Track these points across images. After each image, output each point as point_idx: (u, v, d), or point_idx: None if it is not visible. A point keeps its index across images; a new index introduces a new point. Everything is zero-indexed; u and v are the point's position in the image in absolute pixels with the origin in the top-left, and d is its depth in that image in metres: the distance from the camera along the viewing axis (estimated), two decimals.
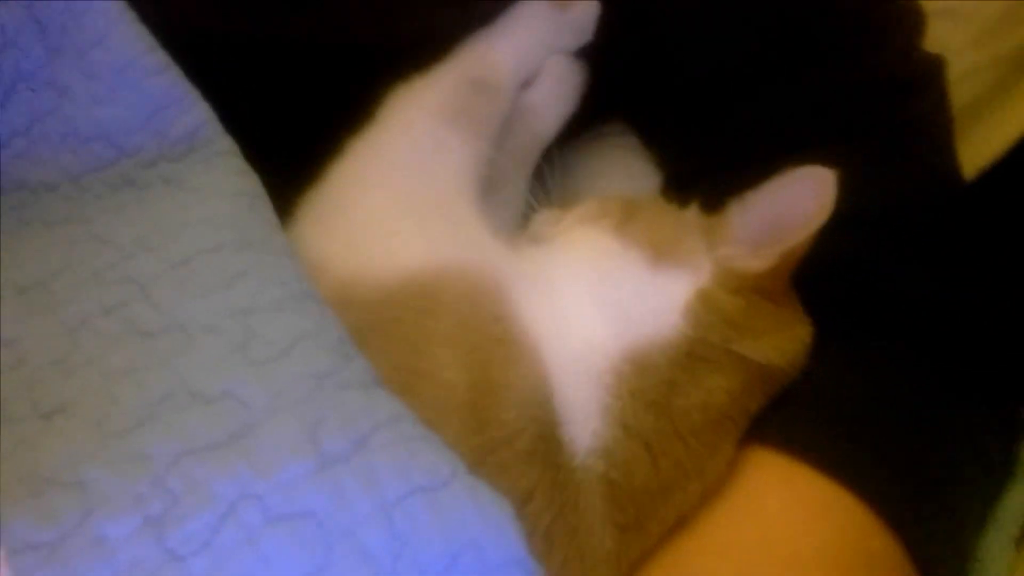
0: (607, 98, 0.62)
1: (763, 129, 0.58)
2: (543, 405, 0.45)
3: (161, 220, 0.47)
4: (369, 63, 0.55)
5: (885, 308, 0.54)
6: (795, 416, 0.49)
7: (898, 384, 0.51)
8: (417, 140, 0.54)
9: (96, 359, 0.41)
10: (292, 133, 0.54)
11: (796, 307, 0.51)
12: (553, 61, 0.60)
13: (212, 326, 0.42)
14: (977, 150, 0.71)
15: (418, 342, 0.45)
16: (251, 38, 0.56)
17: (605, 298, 0.49)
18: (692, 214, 0.53)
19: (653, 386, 0.47)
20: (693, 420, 0.46)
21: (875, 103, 0.57)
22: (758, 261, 0.49)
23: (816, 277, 0.50)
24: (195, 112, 0.51)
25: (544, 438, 0.45)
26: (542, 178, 0.60)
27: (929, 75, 0.59)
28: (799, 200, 0.48)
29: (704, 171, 0.59)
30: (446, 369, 0.44)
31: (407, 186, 0.53)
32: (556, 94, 0.60)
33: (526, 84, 0.59)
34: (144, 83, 0.50)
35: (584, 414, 0.46)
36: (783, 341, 0.49)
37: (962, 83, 0.66)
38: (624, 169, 0.65)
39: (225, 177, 0.49)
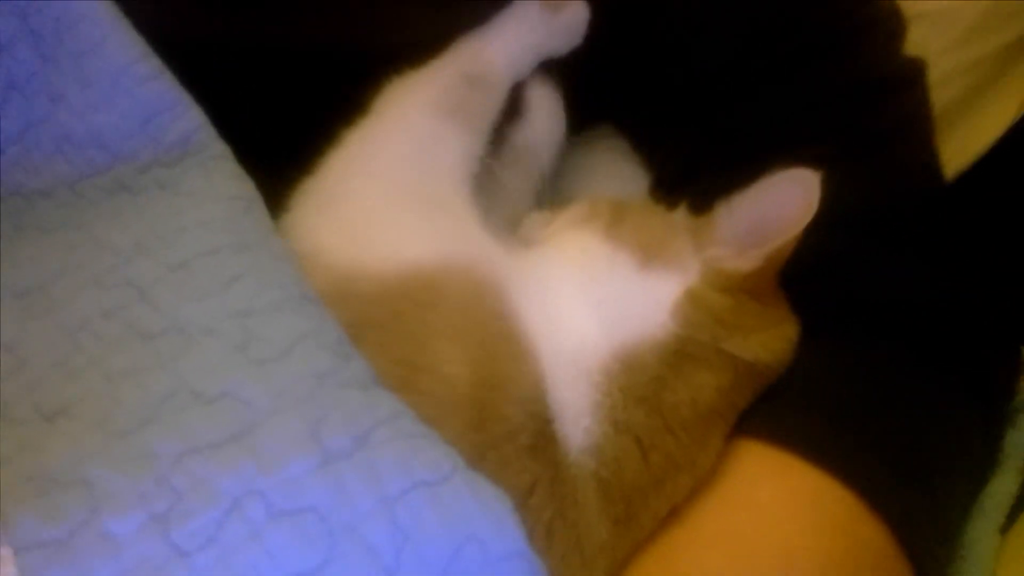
0: (595, 101, 0.63)
1: (748, 131, 0.58)
2: (541, 402, 0.46)
3: (157, 224, 0.47)
4: (360, 68, 0.55)
5: (869, 304, 0.54)
6: (784, 409, 0.50)
7: (884, 377, 0.52)
8: (414, 132, 0.55)
9: (97, 361, 0.41)
10: (284, 136, 0.54)
11: (783, 305, 0.52)
12: (537, 94, 0.61)
13: (212, 328, 0.42)
14: (957, 150, 0.72)
15: (419, 336, 0.45)
16: (243, 44, 0.57)
17: (595, 299, 0.50)
18: (680, 216, 0.54)
19: (643, 383, 0.47)
20: (683, 415, 0.47)
21: (858, 105, 0.58)
22: (745, 262, 0.50)
23: (801, 274, 0.51)
24: (189, 117, 0.51)
25: (543, 434, 0.45)
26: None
27: (910, 78, 0.60)
28: (784, 202, 0.49)
29: (691, 173, 0.60)
30: (448, 363, 0.45)
31: (405, 178, 0.53)
32: (548, 129, 0.61)
33: (516, 111, 0.60)
34: (138, 89, 0.50)
35: (576, 411, 0.46)
36: (771, 339, 0.50)
37: (942, 86, 0.68)
38: (612, 171, 0.65)
39: (220, 181, 0.50)
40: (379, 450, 0.38)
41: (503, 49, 0.58)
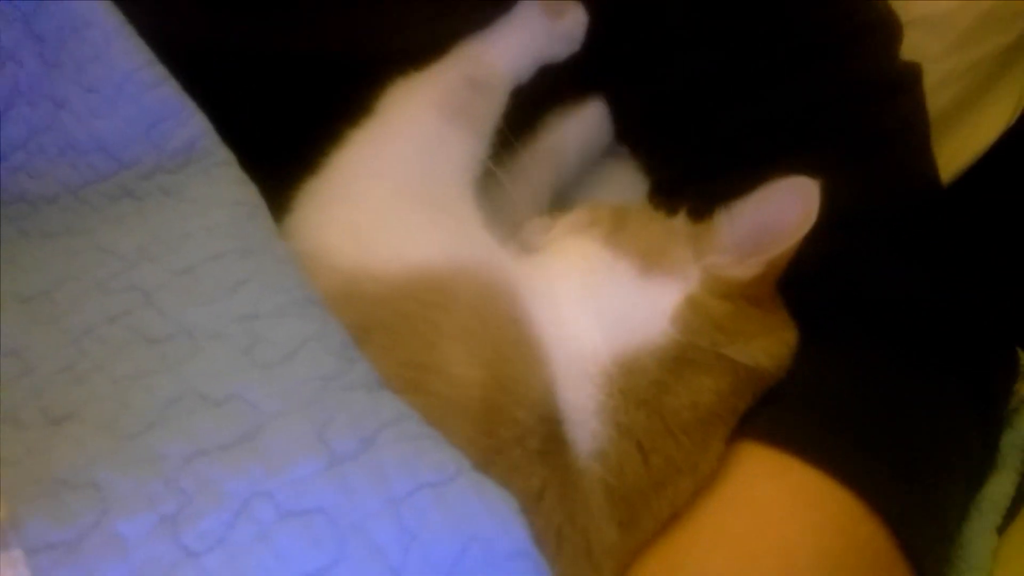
0: None
1: (745, 136, 0.59)
2: (551, 405, 0.46)
3: (162, 230, 0.48)
4: (362, 72, 0.55)
5: (866, 307, 0.55)
6: (783, 411, 0.50)
7: (882, 379, 0.52)
8: (418, 133, 0.55)
9: (103, 366, 0.41)
10: (286, 140, 0.54)
11: (782, 311, 0.52)
12: (592, 107, 0.62)
13: (218, 332, 0.42)
14: (954, 154, 0.72)
15: (428, 337, 0.45)
16: (245, 48, 0.57)
17: (596, 305, 0.50)
18: (680, 222, 0.54)
19: (644, 386, 0.48)
20: (683, 418, 0.47)
21: (855, 110, 0.58)
22: (745, 269, 0.50)
23: (798, 278, 0.51)
24: (192, 124, 0.51)
25: (553, 437, 0.45)
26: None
27: (907, 82, 0.60)
28: (784, 209, 0.49)
29: (690, 177, 0.60)
30: (458, 365, 0.45)
31: (411, 178, 0.53)
32: (585, 138, 0.62)
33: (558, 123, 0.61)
34: (142, 96, 0.51)
35: (584, 414, 0.47)
36: (770, 344, 0.50)
37: (938, 90, 0.68)
38: (611, 176, 0.66)
39: (224, 187, 0.50)
40: (385, 452, 0.38)
41: (504, 53, 0.58)
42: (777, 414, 0.50)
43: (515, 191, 0.58)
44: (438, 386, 0.44)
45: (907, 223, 0.57)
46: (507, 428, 0.44)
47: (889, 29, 0.60)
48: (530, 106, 0.61)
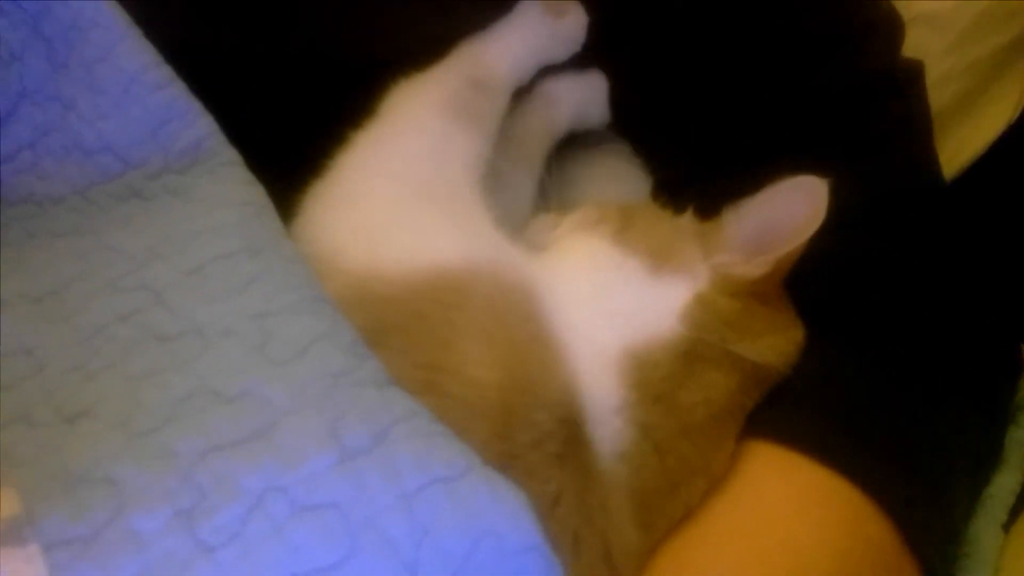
0: None
1: (748, 134, 0.59)
2: (572, 405, 0.46)
3: (170, 230, 0.48)
4: (364, 74, 0.56)
5: (870, 304, 0.55)
6: (789, 409, 0.50)
7: (887, 377, 0.53)
8: (424, 132, 0.55)
9: (116, 364, 0.42)
10: (289, 142, 0.55)
11: (789, 309, 0.52)
12: (590, 75, 0.62)
13: (229, 329, 0.42)
14: (956, 151, 0.73)
15: (444, 337, 0.45)
16: (247, 50, 0.57)
17: (606, 303, 0.50)
18: (687, 220, 0.54)
19: (659, 382, 0.48)
20: (698, 416, 0.48)
21: (857, 107, 0.58)
22: (753, 268, 0.50)
23: (803, 275, 0.51)
24: (199, 125, 0.52)
25: (573, 440, 0.45)
26: (540, 184, 0.61)
27: (909, 79, 0.60)
28: (792, 209, 0.49)
29: (693, 176, 0.61)
30: (474, 365, 0.45)
31: (420, 178, 0.53)
32: (579, 100, 0.62)
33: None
34: (149, 97, 0.51)
35: (605, 413, 0.47)
36: (778, 342, 0.51)
37: (940, 87, 0.69)
38: (614, 175, 0.66)
39: (231, 187, 0.50)
40: (397, 447, 0.38)
41: (505, 54, 0.59)
42: (784, 412, 0.50)
43: (512, 177, 0.58)
44: (455, 388, 0.44)
45: (909, 220, 0.57)
46: (524, 431, 0.44)
47: (891, 27, 0.61)
48: None
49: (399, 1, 0.58)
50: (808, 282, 0.52)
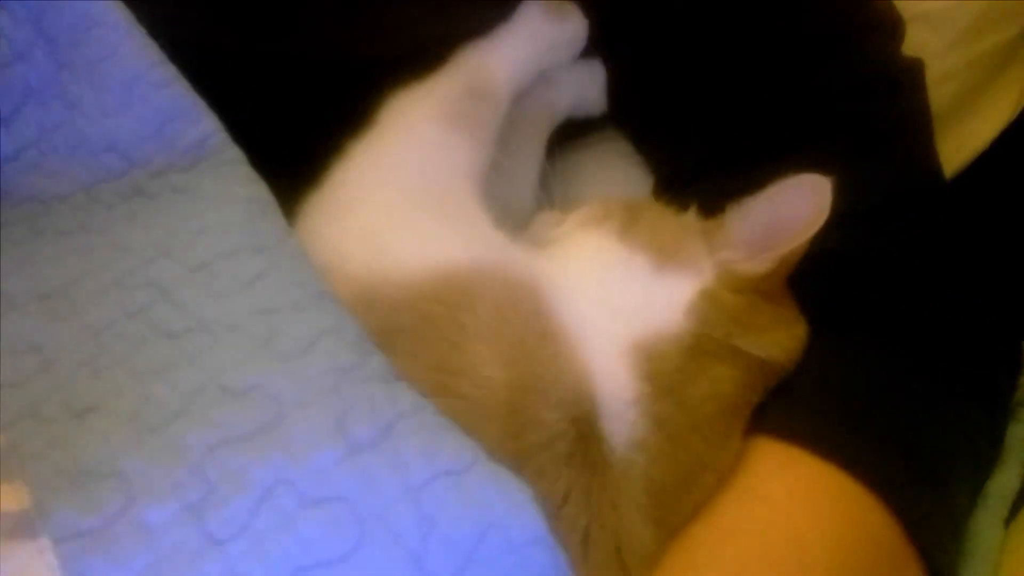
0: None
1: (750, 132, 0.59)
2: (584, 401, 0.46)
3: (176, 227, 0.48)
4: (365, 76, 0.56)
5: (872, 300, 0.55)
6: (792, 405, 0.50)
7: (888, 373, 0.53)
8: (421, 142, 0.55)
9: (124, 360, 0.42)
10: (290, 142, 0.55)
11: (792, 305, 0.53)
12: (589, 64, 0.62)
13: (236, 325, 0.43)
14: (956, 149, 0.73)
15: (454, 339, 0.45)
16: (246, 52, 0.57)
17: (613, 298, 0.51)
18: (691, 217, 0.55)
19: (669, 374, 0.48)
20: (707, 410, 0.48)
21: (858, 106, 0.59)
22: (758, 264, 0.51)
23: (805, 273, 0.52)
24: (203, 123, 0.52)
25: (584, 438, 0.45)
26: (544, 181, 0.61)
27: (909, 77, 0.61)
28: (796, 206, 0.50)
29: (695, 174, 0.61)
30: (485, 366, 0.45)
31: (419, 184, 0.53)
32: (576, 73, 0.62)
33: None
34: (153, 95, 0.51)
35: (620, 405, 0.47)
36: (782, 338, 0.51)
37: (940, 85, 0.68)
38: (615, 172, 0.66)
39: (235, 185, 0.50)
40: (403, 441, 0.39)
41: (505, 62, 0.59)
42: (787, 408, 0.50)
43: (506, 151, 0.58)
44: (467, 388, 0.44)
45: (911, 218, 0.57)
46: (534, 431, 0.44)
47: (891, 26, 0.61)
48: None
49: (400, 1, 0.58)
50: (810, 279, 0.52)
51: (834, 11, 0.59)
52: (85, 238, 0.48)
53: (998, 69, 0.75)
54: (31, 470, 0.37)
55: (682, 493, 0.47)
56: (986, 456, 0.56)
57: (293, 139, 0.55)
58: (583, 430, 0.45)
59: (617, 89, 0.63)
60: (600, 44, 0.61)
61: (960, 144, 0.74)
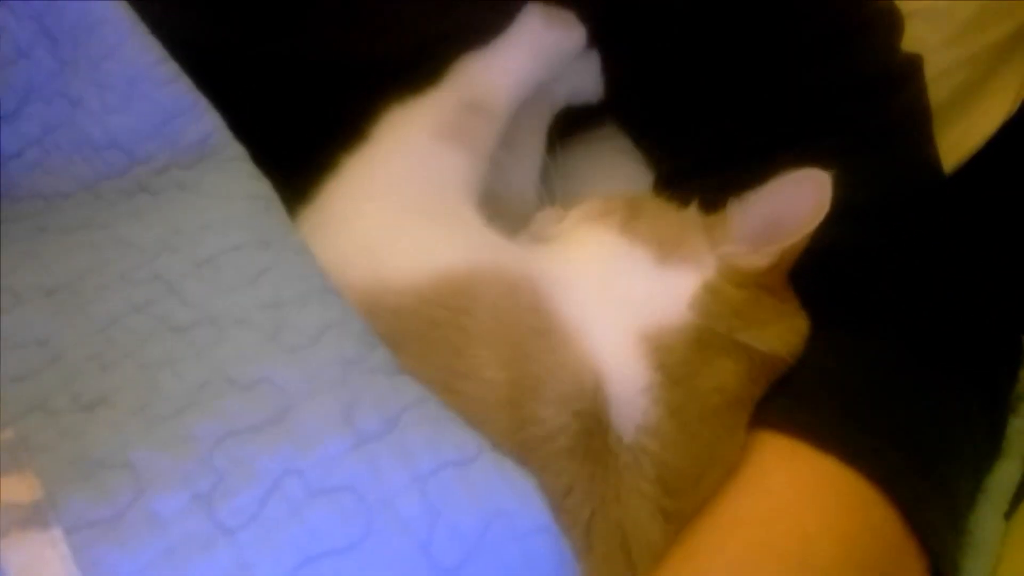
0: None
1: (749, 129, 0.60)
2: (588, 394, 0.46)
3: (180, 223, 0.48)
4: (365, 78, 0.56)
5: (873, 295, 0.56)
6: (795, 399, 0.51)
7: (889, 367, 0.53)
8: (415, 154, 0.55)
9: (131, 353, 0.42)
10: (291, 142, 0.55)
11: (793, 299, 0.53)
12: (586, 54, 0.62)
13: (242, 319, 0.43)
14: (955, 145, 0.73)
15: (457, 342, 0.46)
16: (251, 53, 0.58)
17: (617, 292, 0.51)
18: (692, 212, 0.55)
19: (677, 365, 0.48)
20: (714, 402, 0.48)
21: (857, 102, 0.59)
22: (759, 259, 0.51)
23: (807, 267, 0.52)
24: (205, 120, 0.52)
25: (588, 432, 0.45)
26: (545, 177, 0.62)
27: (908, 73, 0.61)
28: (797, 201, 0.50)
29: (695, 169, 0.61)
30: (486, 368, 0.45)
31: (413, 193, 0.53)
32: (576, 76, 0.62)
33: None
34: (155, 93, 0.51)
35: (630, 394, 0.47)
36: (785, 332, 0.51)
37: (939, 81, 0.69)
38: (616, 168, 0.66)
39: (238, 181, 0.51)
40: (409, 431, 0.39)
41: (505, 74, 0.59)
42: (789, 402, 0.50)
43: (504, 143, 0.58)
44: (470, 390, 0.44)
45: (910, 214, 0.58)
46: (534, 427, 0.44)
47: (890, 22, 0.61)
48: None
49: (401, 1, 0.58)
50: (811, 273, 0.52)
51: (834, 7, 0.60)
52: (89, 234, 0.49)
53: (997, 64, 0.75)
54: (41, 461, 0.38)
55: (691, 484, 0.47)
56: (987, 450, 0.56)
57: (294, 138, 0.56)
58: (587, 423, 0.46)
59: (618, 85, 0.63)
60: (601, 41, 0.61)
61: (959, 139, 0.74)
